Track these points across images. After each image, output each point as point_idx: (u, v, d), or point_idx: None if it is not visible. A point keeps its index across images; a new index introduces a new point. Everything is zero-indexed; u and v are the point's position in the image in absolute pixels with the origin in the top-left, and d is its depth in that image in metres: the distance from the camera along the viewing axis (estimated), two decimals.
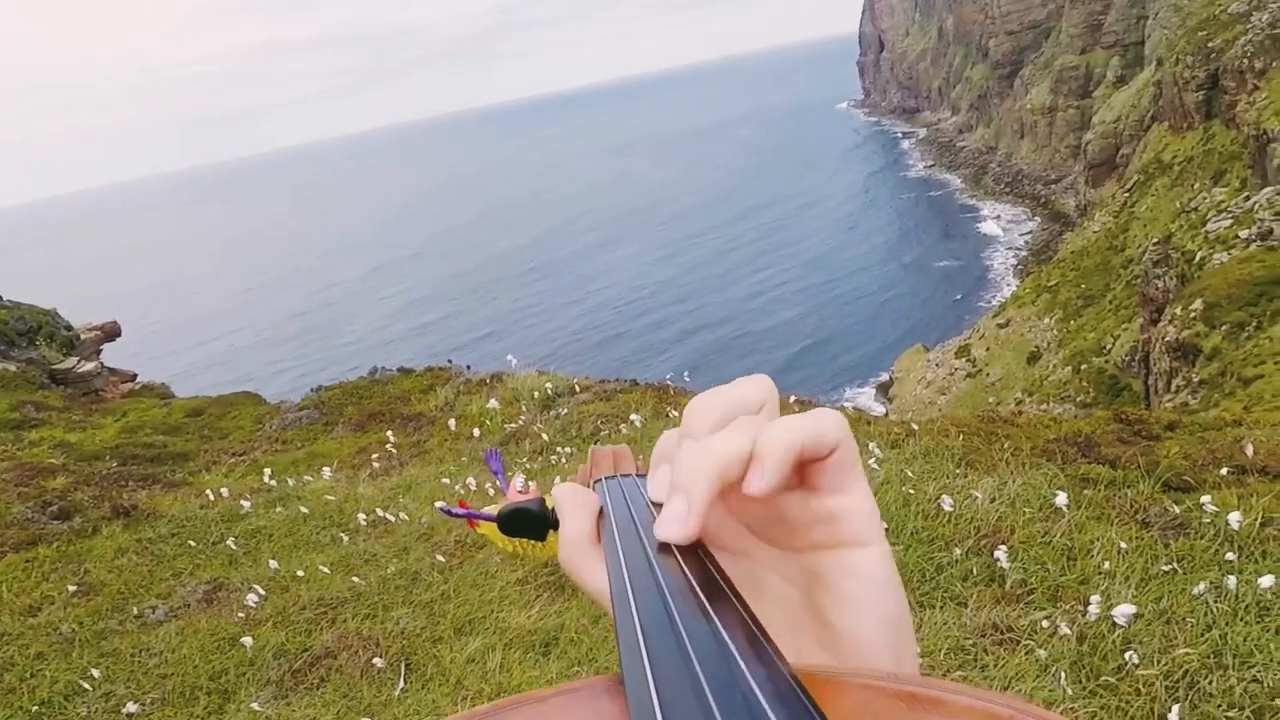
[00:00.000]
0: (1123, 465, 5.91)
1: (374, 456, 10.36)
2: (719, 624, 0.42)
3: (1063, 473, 5.82)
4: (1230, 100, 61.67)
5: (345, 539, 7.55)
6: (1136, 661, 3.81)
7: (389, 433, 10.90)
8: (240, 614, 6.31)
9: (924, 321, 78.58)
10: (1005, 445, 6.49)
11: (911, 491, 5.74)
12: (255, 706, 5.15)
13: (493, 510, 0.95)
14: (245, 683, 5.51)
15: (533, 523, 0.88)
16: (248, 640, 5.72)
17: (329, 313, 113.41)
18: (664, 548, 0.50)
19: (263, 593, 6.49)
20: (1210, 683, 3.65)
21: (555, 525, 0.63)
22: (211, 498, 8.87)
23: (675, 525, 0.49)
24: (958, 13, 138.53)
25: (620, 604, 0.47)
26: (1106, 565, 4.62)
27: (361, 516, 7.75)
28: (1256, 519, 4.69)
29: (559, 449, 9.13)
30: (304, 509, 8.23)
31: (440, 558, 6.66)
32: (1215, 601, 4.09)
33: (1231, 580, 4.10)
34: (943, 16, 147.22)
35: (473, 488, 7.82)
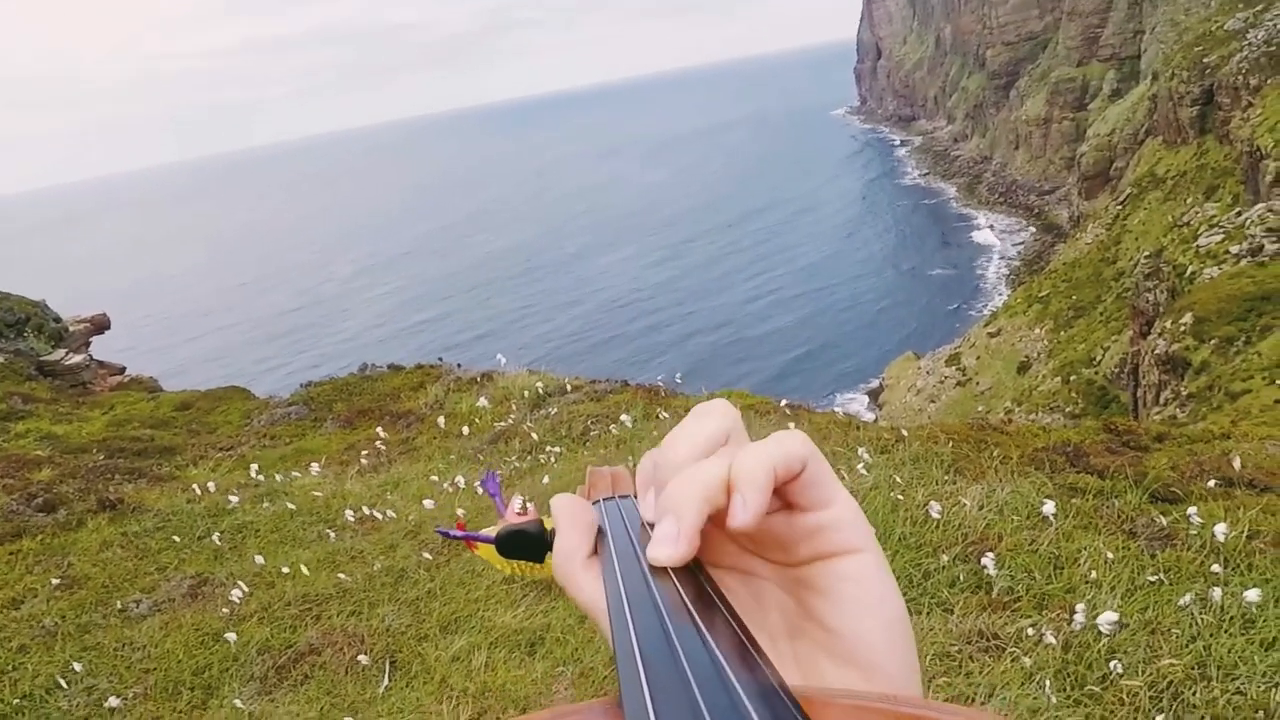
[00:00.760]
0: (1111, 475, 5.92)
1: (363, 453, 10.32)
2: (716, 646, 0.42)
3: (1051, 481, 5.83)
4: (1224, 116, 62.06)
5: (332, 536, 7.52)
6: (1121, 671, 3.82)
7: (378, 429, 10.86)
8: (225, 609, 6.27)
9: (916, 329, 78.86)
10: (994, 453, 6.49)
11: (900, 497, 5.74)
12: (238, 703, 5.12)
13: (491, 532, 0.95)
14: (229, 678, 5.48)
15: (531, 545, 0.88)
16: (232, 636, 5.69)
17: (321, 310, 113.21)
18: (660, 569, 0.51)
19: (247, 588, 6.46)
20: (1194, 694, 3.65)
21: (552, 547, 0.63)
22: (198, 492, 8.83)
23: (666, 546, 0.50)
24: (955, 22, 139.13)
25: (618, 626, 0.47)
26: (1093, 574, 4.63)
27: (349, 513, 7.72)
28: (1243, 532, 4.70)
29: (548, 448, 9.11)
30: (291, 505, 8.20)
31: (427, 555, 6.64)
32: (1201, 613, 4.10)
33: (1217, 592, 4.11)
34: (940, 26, 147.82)
35: (461, 486, 7.80)
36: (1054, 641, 4.06)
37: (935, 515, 5.26)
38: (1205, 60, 65.48)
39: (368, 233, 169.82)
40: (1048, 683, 3.87)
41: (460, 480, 7.84)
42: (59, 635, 6.23)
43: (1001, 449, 6.65)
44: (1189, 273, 44.80)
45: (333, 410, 13.40)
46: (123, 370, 20.84)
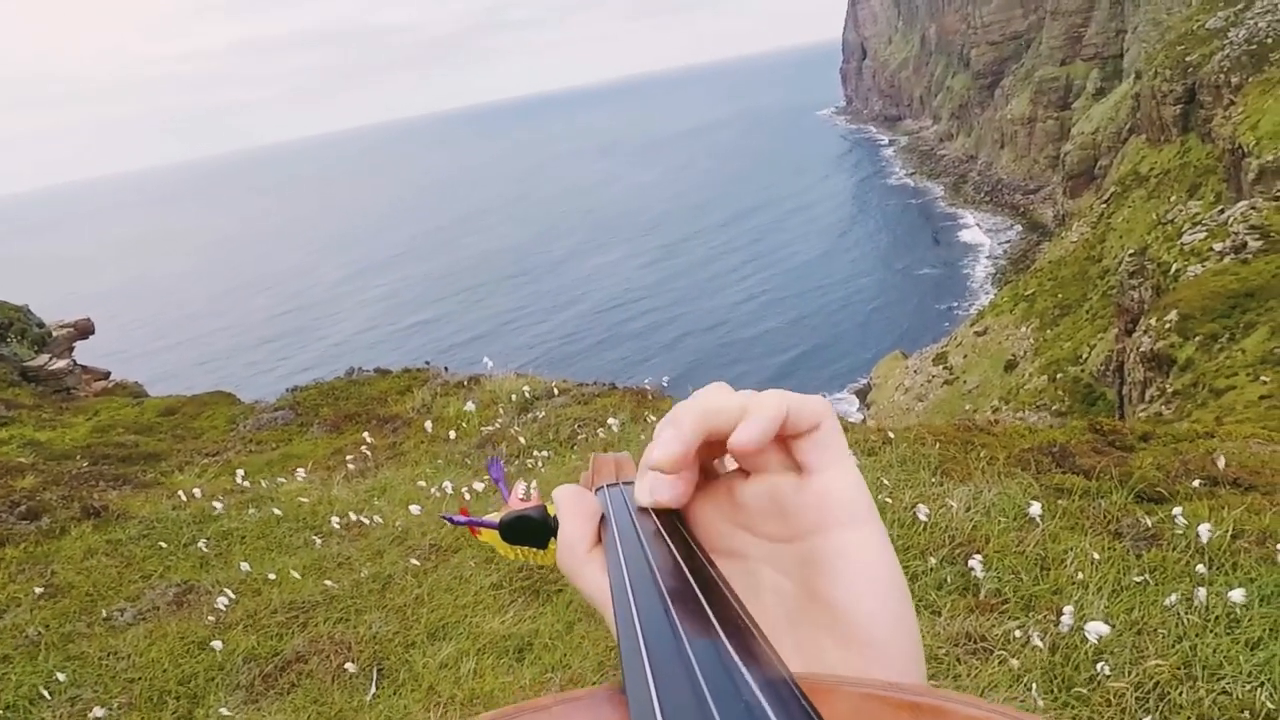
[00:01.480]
0: (1097, 475, 5.94)
1: (349, 458, 10.28)
2: (721, 633, 0.42)
3: (1037, 482, 5.85)
4: (1207, 114, 62.48)
5: (318, 542, 7.48)
6: (1108, 672, 3.83)
7: (365, 434, 10.82)
8: (210, 617, 6.23)
9: (903, 329, 79.09)
10: (981, 454, 6.51)
11: (888, 500, 5.75)
12: (224, 712, 5.08)
13: (494, 518, 0.96)
14: (215, 687, 5.44)
15: (534, 530, 0.88)
16: (217, 644, 5.65)
17: (309, 313, 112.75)
18: (665, 552, 0.52)
19: (233, 596, 6.42)
20: (1180, 694, 3.66)
21: (556, 533, 0.63)
22: (183, 499, 8.77)
23: (663, 448, 0.52)
24: (940, 22, 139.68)
25: (622, 612, 0.47)
26: (1080, 576, 4.64)
27: (335, 519, 7.68)
28: (1227, 531, 4.72)
29: (536, 452, 9.10)
30: (277, 511, 8.15)
31: (415, 561, 6.61)
32: (1186, 613, 4.12)
33: (1202, 592, 4.13)
34: (925, 26, 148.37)
35: (449, 491, 7.78)
36: (1041, 644, 4.07)
37: (923, 518, 5.27)
38: (1187, 59, 65.92)
39: (357, 235, 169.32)
40: (1035, 685, 3.87)
41: (448, 485, 7.81)
42: (42, 645, 6.17)
43: (988, 450, 6.67)
44: (1173, 270, 45.09)
45: (319, 415, 13.35)
46: (107, 375, 20.71)
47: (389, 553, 7.00)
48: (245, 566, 6.95)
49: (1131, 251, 51.16)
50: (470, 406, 11.10)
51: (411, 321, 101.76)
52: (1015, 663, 4.04)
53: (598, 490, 0.68)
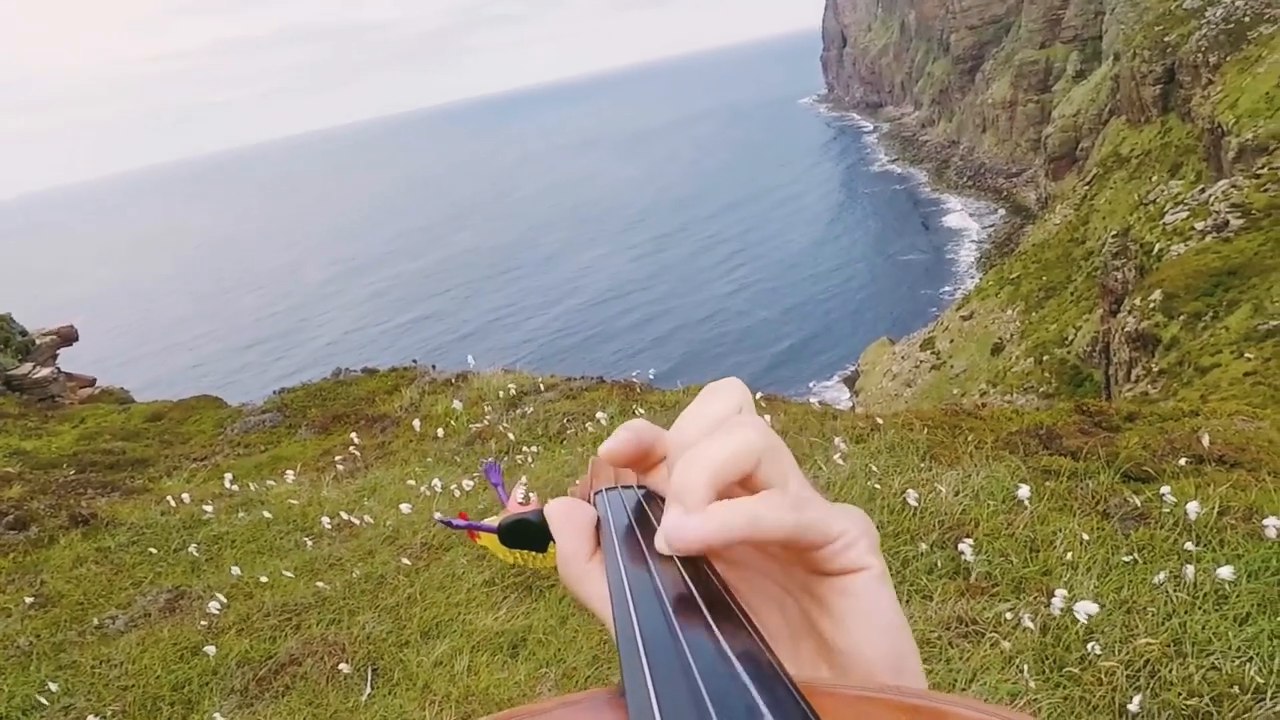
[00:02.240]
0: (1084, 456, 5.98)
1: (338, 459, 10.25)
2: (721, 636, 0.42)
3: (1025, 465, 5.88)
4: (1186, 94, 62.75)
5: (309, 543, 7.46)
6: (1099, 652, 3.85)
7: (353, 434, 10.79)
8: (203, 622, 6.21)
9: (890, 315, 79.23)
10: (969, 438, 6.54)
11: (877, 486, 5.77)
12: (219, 717, 5.07)
13: (493, 522, 0.95)
14: (209, 692, 5.43)
15: (533, 534, 0.88)
16: (210, 649, 5.63)
17: (296, 314, 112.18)
18: (665, 558, 0.51)
19: (225, 600, 6.40)
20: (1170, 671, 3.69)
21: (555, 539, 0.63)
22: (172, 504, 8.73)
23: (686, 535, 0.49)
24: (919, 8, 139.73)
25: (621, 616, 0.47)
26: (1069, 556, 4.67)
27: (326, 520, 7.66)
28: (1214, 508, 4.76)
29: (525, 448, 9.09)
30: (267, 514, 8.13)
31: (406, 561, 6.60)
32: (1175, 590, 4.15)
33: (1190, 570, 4.16)
34: (904, 12, 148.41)
35: (439, 489, 7.76)
36: (1032, 625, 4.10)
37: (912, 503, 5.29)
38: (1165, 39, 66.18)
39: (342, 234, 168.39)
40: (1026, 666, 3.90)
41: (437, 484, 7.79)
42: (34, 655, 6.14)
43: (976, 434, 6.70)
44: (1156, 250, 45.29)
45: (307, 416, 13.30)
46: (93, 382, 20.59)
47: (380, 552, 6.99)
48: (236, 570, 6.93)
49: (1114, 232, 51.41)
50: (458, 405, 11.08)
51: (400, 321, 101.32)
52: (1007, 645, 4.07)
53: (596, 494, 0.67)
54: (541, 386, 11.40)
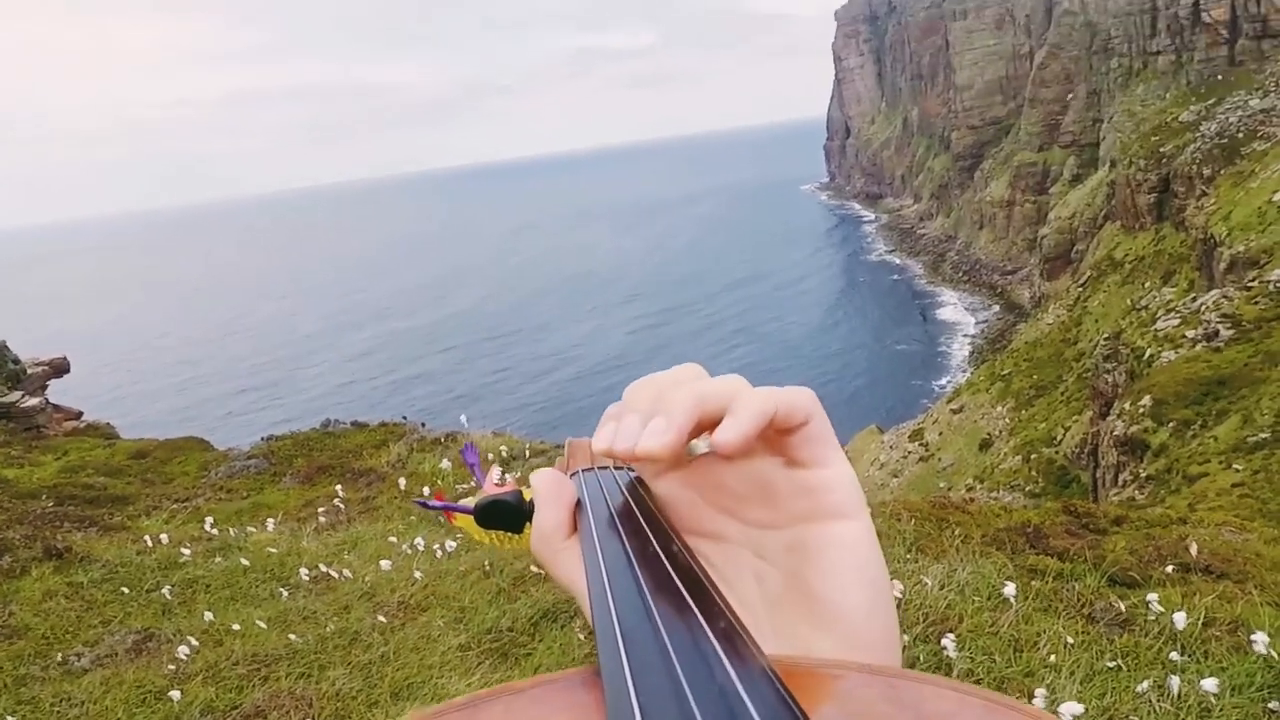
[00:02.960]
0: (1071, 558, 5.96)
1: (321, 510, 10.15)
2: (697, 617, 0.43)
3: (1011, 562, 5.85)
4: (1180, 204, 64.05)
5: (285, 594, 7.35)
6: None
7: (338, 487, 10.71)
8: (170, 666, 6.08)
9: (883, 405, 79.31)
10: (956, 532, 6.52)
11: None
12: None
13: (469, 502, 0.96)
14: None
15: (509, 515, 0.88)
16: (175, 694, 5.51)
17: (288, 364, 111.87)
18: (642, 544, 0.52)
19: (195, 645, 6.28)
20: None
21: (531, 518, 0.64)
22: (150, 544, 8.61)
23: (655, 438, 0.50)
24: (922, 105, 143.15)
25: (598, 597, 0.48)
26: (1052, 658, 4.63)
27: (304, 571, 7.56)
28: (1199, 618, 4.74)
29: None
30: (245, 561, 8.02)
31: (382, 618, 6.50)
32: (1158, 700, 4.10)
33: (1175, 680, 4.12)
34: (908, 108, 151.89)
35: (420, 548, 7.68)
36: None
37: (897, 594, 5.25)
38: (1161, 150, 67.82)
39: (339, 288, 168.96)
40: None
41: (420, 542, 7.71)
42: None
43: (963, 528, 6.68)
44: (1147, 355, 45.67)
45: (293, 465, 13.21)
46: (79, 415, 20.45)
47: (356, 608, 6.88)
48: (209, 616, 6.81)
49: (1106, 335, 51.92)
50: (446, 464, 11.02)
51: (392, 378, 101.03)
52: None
53: (573, 475, 0.69)
54: (528, 452, 11.37)
